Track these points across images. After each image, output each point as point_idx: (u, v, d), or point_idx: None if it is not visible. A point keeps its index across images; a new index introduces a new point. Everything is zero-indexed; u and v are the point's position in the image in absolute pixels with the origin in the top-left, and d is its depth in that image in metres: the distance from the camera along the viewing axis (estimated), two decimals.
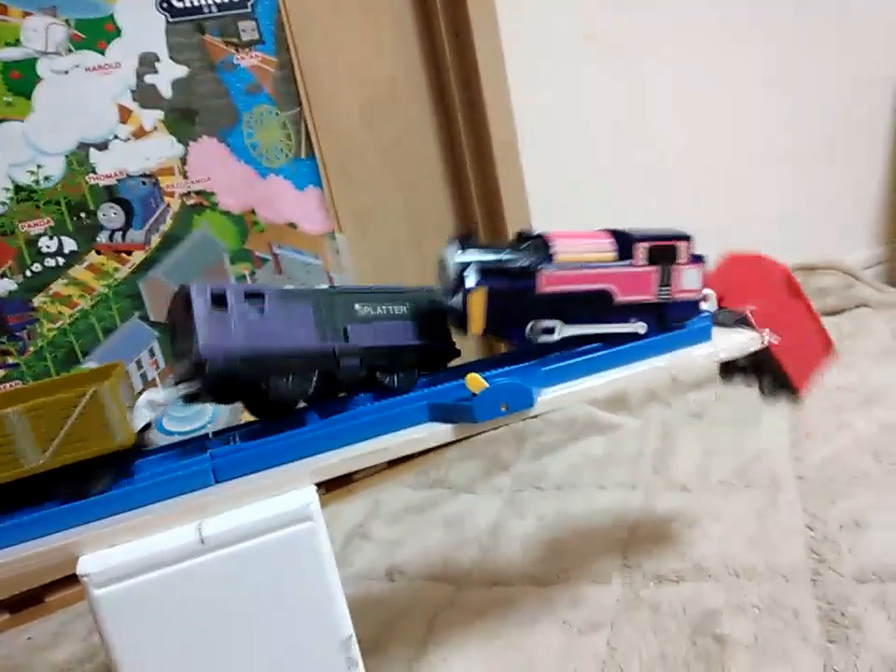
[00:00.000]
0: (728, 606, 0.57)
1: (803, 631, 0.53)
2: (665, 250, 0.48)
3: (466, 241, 0.46)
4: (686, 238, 0.48)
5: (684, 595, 0.59)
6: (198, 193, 0.81)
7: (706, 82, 1.10)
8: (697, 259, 0.49)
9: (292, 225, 0.86)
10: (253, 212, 0.84)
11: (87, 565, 0.36)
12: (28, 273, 0.75)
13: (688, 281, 0.49)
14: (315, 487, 0.41)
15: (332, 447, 0.42)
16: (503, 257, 0.45)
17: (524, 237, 0.47)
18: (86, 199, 0.77)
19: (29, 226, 0.75)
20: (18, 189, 0.74)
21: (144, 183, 0.79)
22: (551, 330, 0.46)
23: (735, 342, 0.50)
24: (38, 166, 0.75)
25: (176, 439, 0.82)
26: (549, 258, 0.46)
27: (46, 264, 0.76)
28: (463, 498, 0.82)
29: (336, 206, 0.88)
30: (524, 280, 0.45)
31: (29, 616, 0.77)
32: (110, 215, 0.78)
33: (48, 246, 0.76)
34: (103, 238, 0.78)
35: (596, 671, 0.54)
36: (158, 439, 0.79)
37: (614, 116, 1.04)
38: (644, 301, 0.48)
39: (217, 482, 0.40)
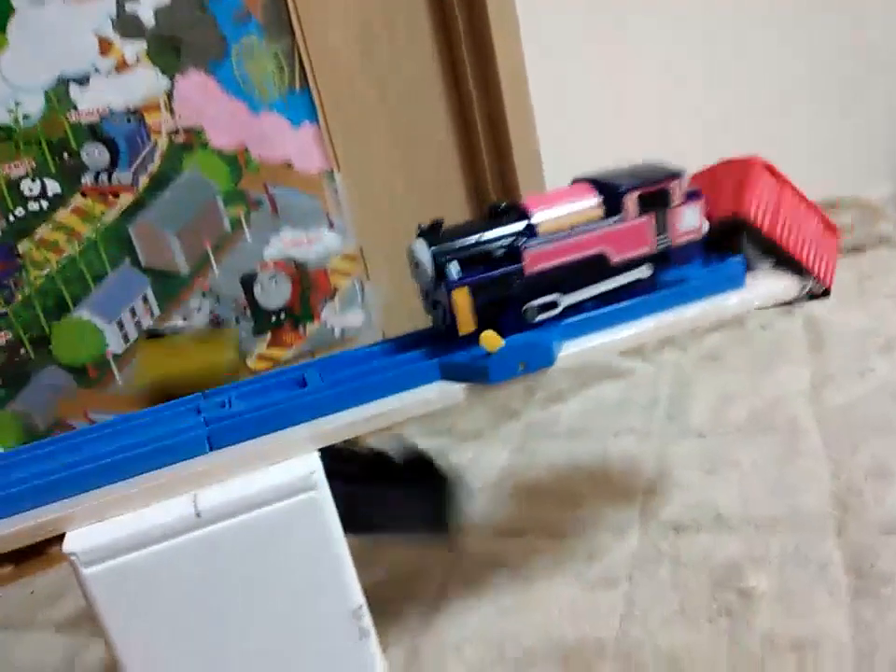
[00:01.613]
0: (750, 558, 0.55)
1: (829, 584, 0.51)
2: (657, 195, 0.43)
3: (435, 231, 0.41)
4: (678, 175, 0.44)
5: (704, 546, 0.57)
6: (187, 131, 0.76)
7: (722, 19, 1.03)
8: (693, 196, 0.44)
9: (288, 164, 0.82)
10: (246, 150, 0.79)
11: (74, 542, 0.34)
12: (11, 219, 0.71)
13: (687, 222, 0.45)
14: (317, 453, 0.38)
15: (336, 409, 0.40)
16: (481, 241, 0.41)
17: (496, 211, 0.43)
18: (68, 138, 0.72)
19: (9, 168, 0.70)
20: None
21: (129, 120, 0.74)
22: (549, 306, 0.42)
23: (771, 289, 0.46)
24: (16, 104, 0.70)
25: None
26: (530, 231, 0.42)
27: (29, 208, 0.72)
28: (471, 447, 0.80)
29: (333, 143, 0.83)
30: (508, 263, 0.41)
31: (31, 569, 0.76)
32: (94, 154, 0.73)
33: (30, 189, 0.71)
34: (88, 179, 0.73)
35: (614, 627, 0.52)
36: None
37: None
38: (643, 255, 0.44)
39: (211, 449, 0.38)
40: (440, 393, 0.40)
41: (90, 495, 0.35)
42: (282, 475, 0.36)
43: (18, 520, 0.34)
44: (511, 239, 0.41)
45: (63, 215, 0.73)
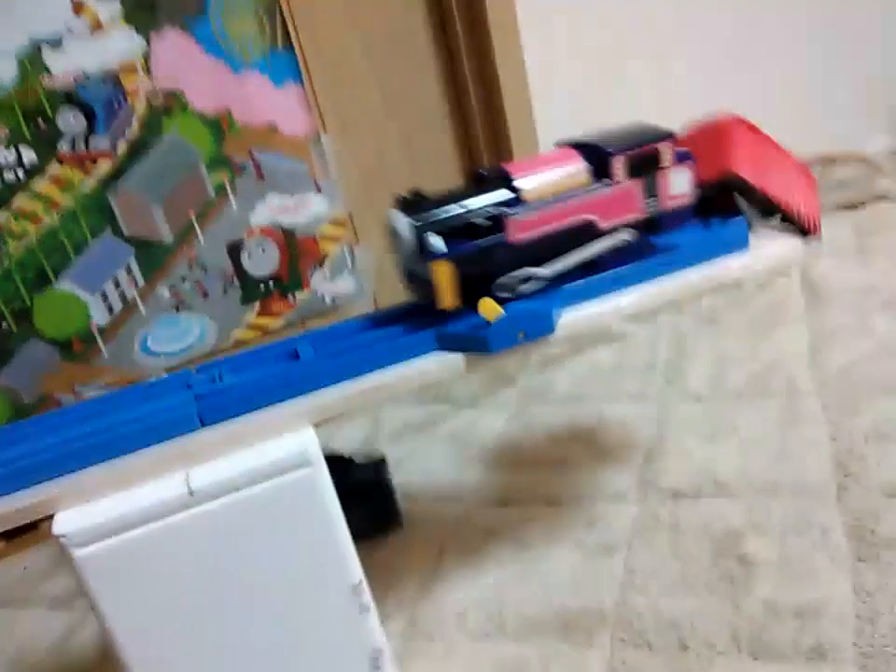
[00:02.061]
0: (751, 524, 0.55)
1: (830, 550, 0.51)
2: (646, 158, 0.41)
3: (414, 201, 0.39)
4: (667, 136, 0.42)
5: (704, 512, 0.57)
6: (165, 93, 0.73)
7: None
8: (683, 158, 0.42)
9: (272, 127, 0.79)
10: (228, 113, 0.76)
11: (64, 523, 0.32)
12: None
13: (677, 185, 0.43)
14: (312, 428, 0.37)
15: (330, 382, 0.38)
16: (463, 211, 0.39)
17: (479, 177, 0.41)
18: (42, 104, 0.69)
19: None
20: None
21: (104, 83, 0.71)
22: (531, 278, 0.40)
23: (775, 251, 0.45)
24: None
25: (162, 360, 0.78)
26: (515, 199, 0.40)
27: (5, 178, 0.69)
28: (467, 414, 0.79)
29: (319, 104, 0.81)
30: (491, 233, 0.39)
31: (24, 543, 0.75)
32: (70, 120, 0.70)
33: (5, 158, 0.69)
34: (64, 146, 0.70)
35: (615, 594, 0.52)
36: (141, 359, 0.76)
37: None
38: (632, 220, 0.42)
39: (203, 425, 0.36)
40: (438, 364, 0.39)
41: (79, 474, 0.34)
42: (277, 451, 0.35)
43: (5, 501, 0.33)
44: (494, 208, 0.39)
45: (40, 184, 0.70)
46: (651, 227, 0.43)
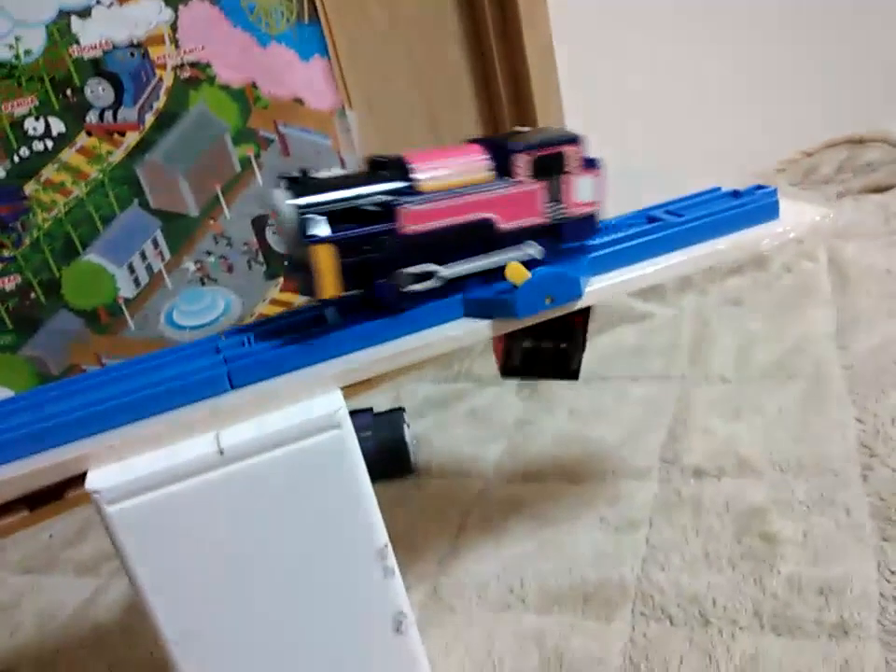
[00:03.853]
0: (774, 503, 0.54)
1: (855, 529, 0.51)
2: (551, 159, 0.39)
3: (301, 181, 0.37)
4: (574, 140, 0.40)
5: (727, 491, 0.57)
6: (192, 65, 0.73)
7: None
8: (591, 164, 0.40)
9: (298, 100, 0.79)
10: (254, 85, 0.77)
11: (97, 480, 0.33)
12: (16, 159, 0.69)
13: (583, 192, 0.40)
14: (340, 392, 0.37)
15: (357, 347, 0.38)
16: (352, 195, 0.36)
17: (377, 163, 0.38)
18: (71, 74, 0.69)
19: (12, 107, 0.68)
20: None
21: (132, 54, 0.71)
22: (425, 276, 0.38)
23: (805, 219, 0.44)
24: (17, 38, 0.67)
25: (187, 333, 0.79)
26: (409, 188, 0.37)
27: (34, 148, 0.69)
28: (488, 392, 0.79)
29: (345, 78, 0.80)
30: (381, 221, 0.37)
31: (48, 513, 0.76)
32: (98, 91, 0.71)
33: (34, 128, 0.69)
34: (92, 117, 0.71)
35: (636, 569, 0.52)
36: (166, 331, 0.76)
37: None
38: (533, 224, 0.40)
39: (232, 388, 0.36)
40: (465, 329, 0.39)
41: (110, 433, 0.34)
42: (306, 413, 0.35)
43: (39, 459, 0.34)
44: (386, 196, 0.37)
45: (68, 154, 0.71)
46: (554, 234, 0.41)
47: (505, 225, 0.39)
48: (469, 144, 0.41)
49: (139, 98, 0.72)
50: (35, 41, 0.68)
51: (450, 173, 0.38)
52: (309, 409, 0.35)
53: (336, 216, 0.36)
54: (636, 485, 0.60)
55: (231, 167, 0.77)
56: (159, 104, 0.73)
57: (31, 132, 0.69)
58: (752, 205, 0.45)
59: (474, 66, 0.89)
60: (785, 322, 0.78)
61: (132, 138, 0.72)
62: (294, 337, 0.38)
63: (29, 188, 0.70)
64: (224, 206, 0.77)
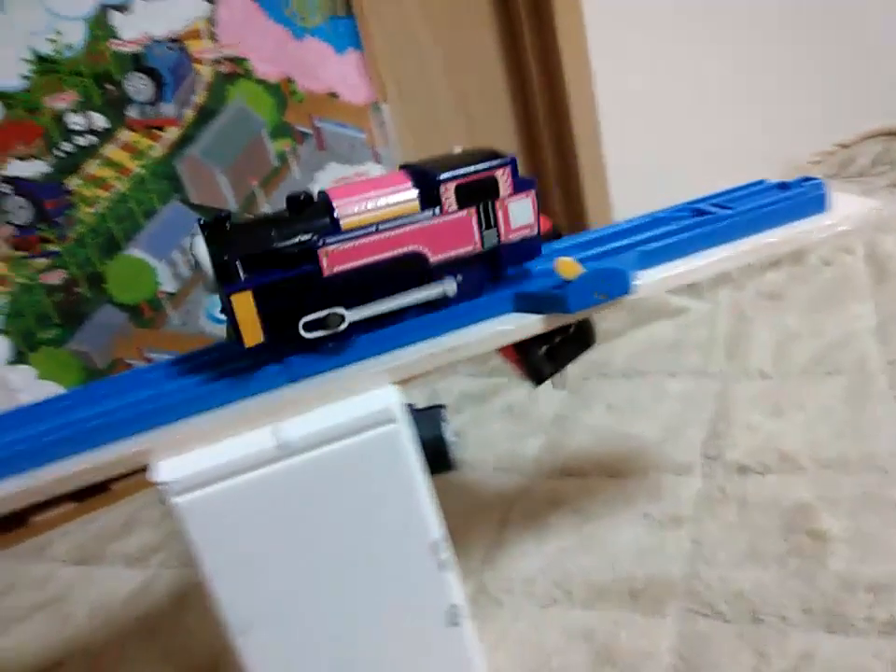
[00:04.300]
0: (821, 499, 0.54)
1: None
2: (480, 185, 0.37)
3: (220, 225, 0.35)
4: (506, 163, 0.38)
5: (772, 487, 0.56)
6: (230, 59, 0.74)
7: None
8: (525, 186, 0.38)
9: (333, 94, 0.79)
10: (290, 80, 0.77)
11: (164, 472, 0.33)
12: (59, 154, 0.70)
13: (519, 216, 0.39)
14: (396, 386, 0.37)
15: (411, 342, 0.38)
16: (272, 238, 0.35)
17: (297, 201, 0.37)
18: (111, 69, 0.70)
19: (54, 101, 0.69)
20: (40, 59, 0.67)
21: (170, 49, 0.72)
22: (335, 321, 0.36)
23: (854, 211, 0.44)
24: (58, 33, 0.68)
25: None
26: (332, 227, 0.36)
27: (77, 143, 0.70)
28: (524, 387, 0.78)
29: (380, 72, 0.80)
30: (304, 263, 0.35)
31: (95, 505, 0.77)
32: (138, 85, 0.71)
33: (76, 123, 0.70)
34: (133, 112, 0.71)
35: (682, 565, 0.52)
36: (208, 326, 0.77)
37: None
38: (467, 253, 0.38)
39: (290, 382, 0.37)
40: (517, 324, 0.39)
41: (173, 426, 0.35)
42: (363, 407, 0.35)
43: (103, 452, 0.34)
44: (307, 237, 0.35)
45: (110, 150, 0.71)
46: (493, 260, 0.39)
47: (437, 257, 0.38)
48: (397, 173, 0.39)
49: (178, 93, 0.72)
50: (76, 36, 0.68)
51: (373, 207, 0.37)
52: (366, 403, 0.36)
53: (255, 261, 0.35)
54: (678, 481, 0.60)
55: (267, 162, 0.77)
56: (197, 98, 0.73)
57: (73, 126, 0.70)
58: (801, 198, 0.44)
59: (507, 58, 0.88)
60: (824, 317, 0.77)
61: (172, 133, 0.73)
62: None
63: (72, 182, 0.70)
64: (262, 201, 0.78)
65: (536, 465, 0.66)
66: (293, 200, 0.36)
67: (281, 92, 0.76)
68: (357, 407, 0.35)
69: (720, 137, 1.00)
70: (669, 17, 0.94)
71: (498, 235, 0.39)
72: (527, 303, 0.39)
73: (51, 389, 0.74)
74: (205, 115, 0.74)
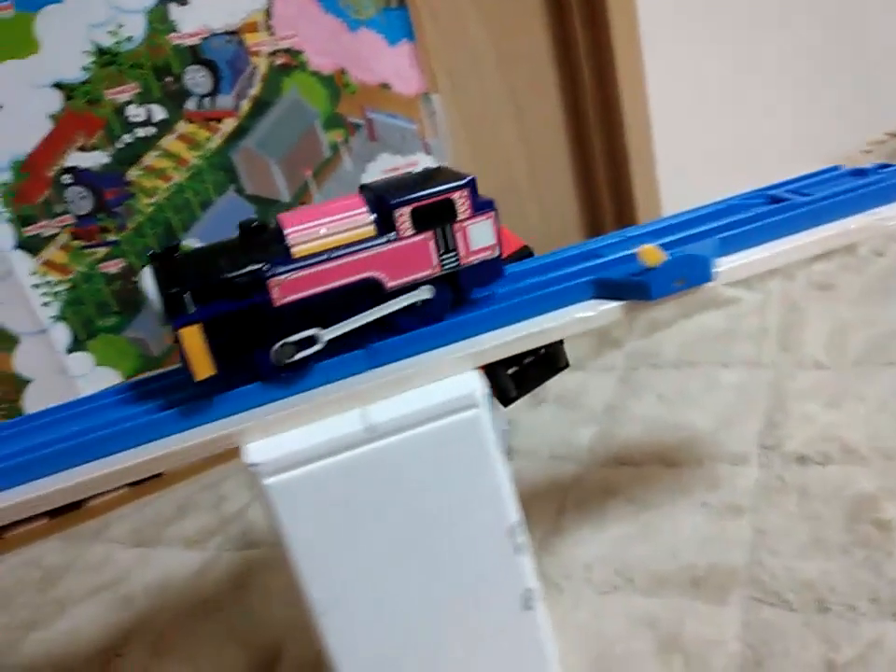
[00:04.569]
0: (884, 490, 0.53)
1: None
2: (436, 208, 0.36)
3: (167, 257, 0.35)
4: (464, 185, 0.37)
5: (833, 478, 0.56)
6: (286, 52, 0.75)
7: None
8: (484, 208, 0.38)
9: (385, 86, 0.79)
10: (343, 71, 0.77)
11: (255, 454, 0.34)
12: (119, 145, 0.71)
13: (479, 238, 0.38)
14: (477, 371, 0.38)
15: (492, 327, 0.39)
16: (221, 268, 0.34)
17: (247, 230, 0.36)
18: (170, 61, 0.71)
19: (114, 93, 0.70)
20: (100, 52, 0.69)
21: (228, 42, 0.73)
22: (308, 342, 0.36)
23: None
24: (119, 26, 0.69)
25: None
26: (283, 256, 0.35)
27: (136, 134, 0.71)
28: (574, 376, 0.79)
29: (431, 64, 0.81)
30: (253, 294, 0.35)
31: (148, 489, 0.79)
32: (197, 78, 0.72)
33: (136, 115, 0.71)
34: (191, 105, 0.73)
35: (745, 554, 0.52)
36: None
37: None
38: (425, 278, 0.38)
39: (372, 367, 0.37)
40: (598, 311, 0.39)
41: (261, 409, 0.36)
42: (446, 392, 0.36)
43: (194, 433, 0.35)
44: (256, 266, 0.35)
45: (169, 141, 0.72)
46: (454, 283, 0.39)
47: (393, 283, 0.37)
48: (354, 196, 0.39)
49: (235, 85, 0.73)
50: (136, 28, 0.70)
51: (325, 233, 0.36)
52: (449, 388, 0.36)
53: (204, 293, 0.34)
54: (735, 471, 0.59)
55: (320, 153, 0.78)
56: (254, 91, 0.74)
57: (132, 118, 0.71)
58: (881, 184, 0.44)
59: (559, 53, 0.88)
60: (878, 307, 0.76)
61: (228, 125, 0.74)
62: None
63: (132, 173, 0.72)
64: (314, 192, 0.79)
65: (589, 454, 0.66)
66: (245, 228, 0.36)
67: (334, 84, 0.77)
68: (442, 392, 0.36)
69: (766, 129, 1.00)
70: (668, 17, 0.93)
71: (458, 258, 0.38)
72: (607, 290, 0.40)
73: (108, 375, 0.75)
74: (261, 107, 0.75)
